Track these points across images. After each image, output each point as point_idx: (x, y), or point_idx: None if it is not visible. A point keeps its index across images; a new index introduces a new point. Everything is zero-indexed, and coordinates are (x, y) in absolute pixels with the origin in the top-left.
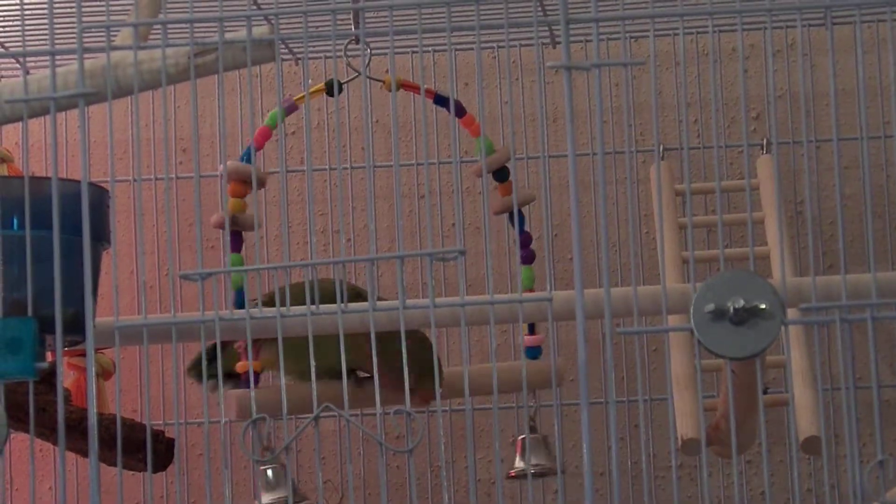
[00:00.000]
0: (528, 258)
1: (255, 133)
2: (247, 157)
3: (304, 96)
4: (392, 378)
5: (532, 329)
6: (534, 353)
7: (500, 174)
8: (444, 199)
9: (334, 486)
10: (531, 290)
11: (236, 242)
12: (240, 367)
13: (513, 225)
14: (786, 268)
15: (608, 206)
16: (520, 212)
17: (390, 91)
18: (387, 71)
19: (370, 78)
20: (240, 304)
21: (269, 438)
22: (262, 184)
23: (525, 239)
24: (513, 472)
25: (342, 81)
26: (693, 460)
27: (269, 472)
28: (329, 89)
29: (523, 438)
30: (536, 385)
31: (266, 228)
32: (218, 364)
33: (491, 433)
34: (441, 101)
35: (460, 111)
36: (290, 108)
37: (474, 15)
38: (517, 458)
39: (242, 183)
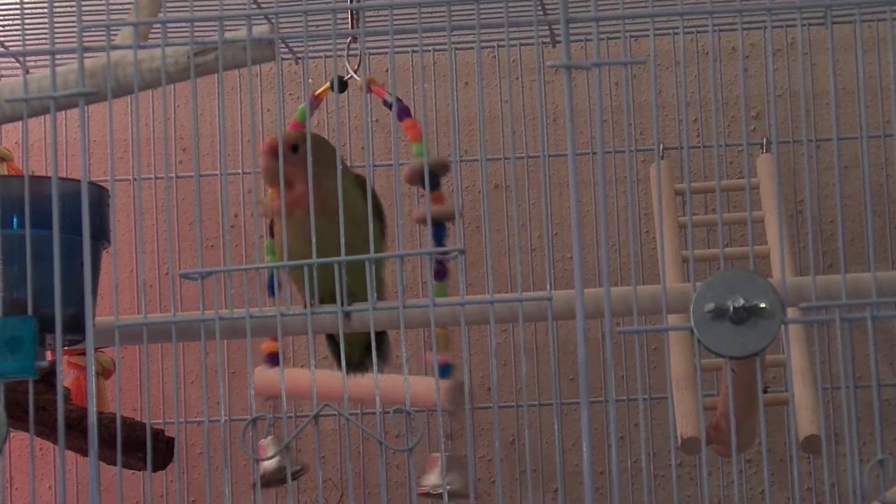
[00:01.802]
0: (442, 274)
1: (287, 127)
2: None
3: (325, 89)
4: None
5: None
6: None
7: (432, 182)
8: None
9: (334, 484)
10: None
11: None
12: (265, 347)
13: (434, 238)
14: (786, 267)
15: (608, 205)
16: (442, 226)
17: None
18: (387, 70)
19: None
20: (271, 289)
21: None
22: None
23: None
24: (426, 488)
25: (344, 78)
26: (693, 459)
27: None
28: (334, 86)
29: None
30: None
31: (266, 228)
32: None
33: (491, 433)
34: (387, 105)
35: (405, 113)
36: (314, 103)
37: (474, 14)
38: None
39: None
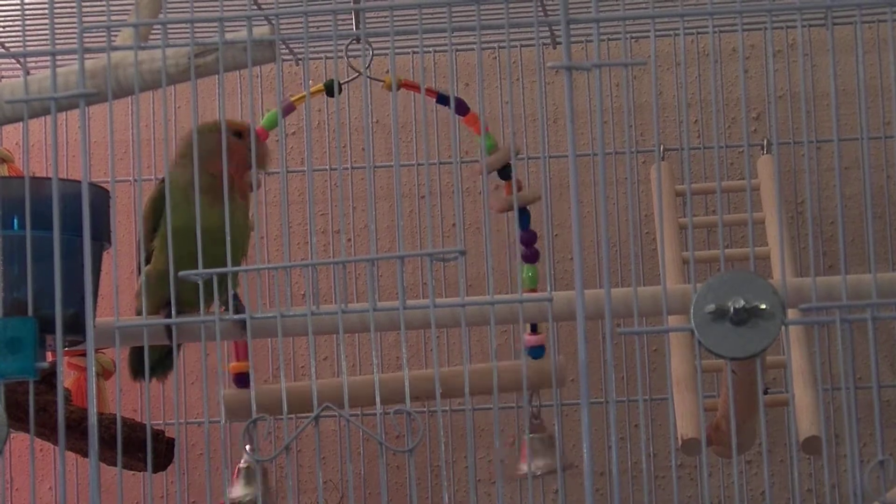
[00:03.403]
0: (531, 257)
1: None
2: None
3: (302, 97)
4: None
5: (535, 329)
6: (537, 352)
7: (504, 172)
8: (444, 199)
9: (334, 485)
10: (534, 290)
11: None
12: (233, 367)
13: (519, 224)
14: (786, 268)
15: (608, 206)
16: (526, 210)
17: (390, 91)
18: (387, 71)
19: (371, 78)
20: None
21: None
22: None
23: (529, 237)
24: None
25: (343, 82)
26: (693, 460)
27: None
28: (328, 90)
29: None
30: (537, 385)
31: (266, 228)
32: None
33: (491, 433)
34: (444, 100)
35: (463, 109)
36: (288, 109)
37: (475, 15)
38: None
39: None
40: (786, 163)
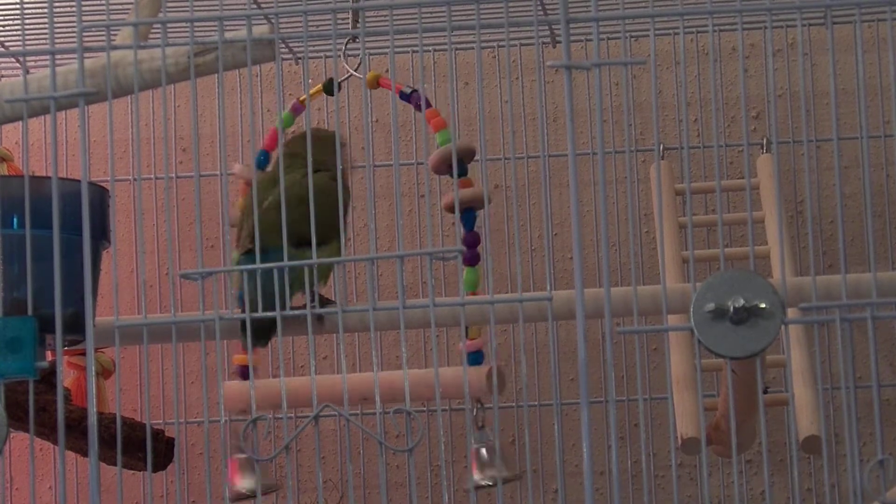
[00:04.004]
0: (472, 259)
1: (266, 136)
2: (259, 160)
3: (317, 90)
4: None
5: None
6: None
7: (460, 168)
8: (443, 198)
9: (334, 485)
10: (474, 293)
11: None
12: (236, 359)
13: (462, 223)
14: (786, 267)
15: (608, 205)
16: (471, 211)
17: (372, 88)
18: (386, 70)
19: (356, 76)
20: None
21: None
22: None
23: (471, 240)
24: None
25: (339, 80)
26: (693, 460)
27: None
28: (326, 90)
29: (476, 449)
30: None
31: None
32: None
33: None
34: (405, 97)
35: (425, 104)
36: (297, 110)
37: (474, 14)
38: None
39: (250, 185)
40: (785, 162)
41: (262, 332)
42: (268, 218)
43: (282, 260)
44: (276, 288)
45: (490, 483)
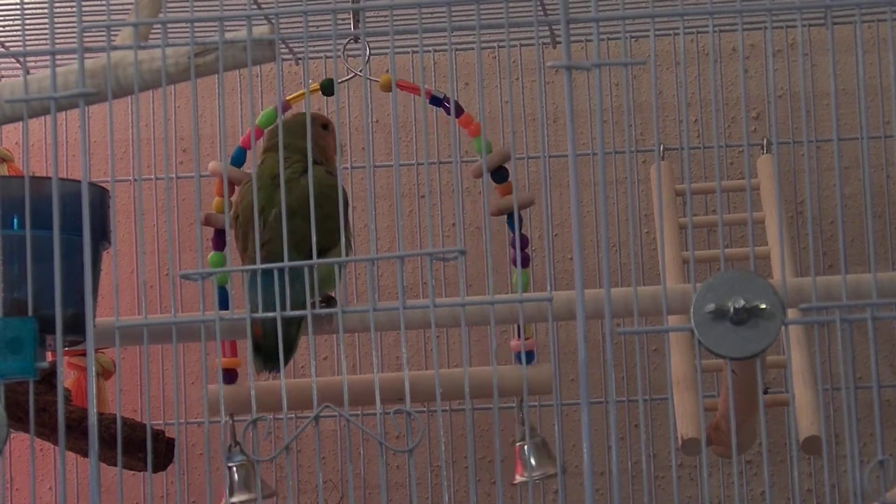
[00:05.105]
0: (525, 261)
1: (248, 134)
2: (235, 158)
3: (297, 95)
4: None
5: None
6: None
7: (498, 175)
8: (444, 199)
9: (334, 485)
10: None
11: (219, 241)
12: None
13: (511, 227)
14: (786, 268)
15: (608, 206)
16: (518, 214)
17: (386, 91)
18: (387, 70)
19: (368, 78)
20: (223, 301)
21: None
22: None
23: (522, 242)
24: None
25: (340, 81)
26: (693, 460)
27: (236, 473)
28: (324, 89)
29: (521, 445)
30: (533, 390)
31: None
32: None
33: (491, 433)
34: (436, 101)
35: (457, 111)
36: (284, 108)
37: (475, 15)
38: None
39: (232, 184)
40: (785, 162)
41: (276, 356)
42: (279, 232)
43: (294, 273)
44: (287, 300)
45: (538, 478)
